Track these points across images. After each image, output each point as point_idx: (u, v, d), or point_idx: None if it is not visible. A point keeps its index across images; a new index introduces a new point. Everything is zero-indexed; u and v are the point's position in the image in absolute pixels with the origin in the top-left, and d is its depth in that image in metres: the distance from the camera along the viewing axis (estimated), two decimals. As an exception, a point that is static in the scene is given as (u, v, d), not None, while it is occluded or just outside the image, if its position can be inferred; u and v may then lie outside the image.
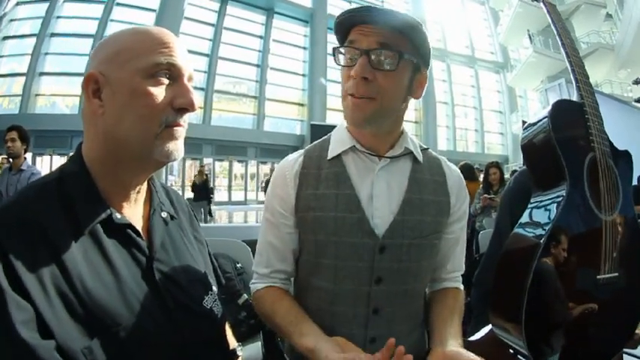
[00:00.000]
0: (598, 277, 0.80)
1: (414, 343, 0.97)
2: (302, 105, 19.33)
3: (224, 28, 17.79)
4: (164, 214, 0.76)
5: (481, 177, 4.94)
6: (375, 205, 0.89)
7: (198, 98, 0.68)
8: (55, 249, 0.56)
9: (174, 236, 0.76)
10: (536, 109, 21.69)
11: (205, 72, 17.08)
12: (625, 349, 0.92)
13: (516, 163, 20.22)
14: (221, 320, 0.79)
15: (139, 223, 0.70)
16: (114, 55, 0.63)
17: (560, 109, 0.85)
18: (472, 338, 1.10)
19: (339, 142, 0.95)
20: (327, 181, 0.92)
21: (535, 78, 20.72)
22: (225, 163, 17.63)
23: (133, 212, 0.70)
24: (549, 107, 0.84)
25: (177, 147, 0.66)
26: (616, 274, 0.82)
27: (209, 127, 16.23)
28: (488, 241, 1.97)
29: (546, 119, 0.83)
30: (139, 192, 0.71)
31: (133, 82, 0.62)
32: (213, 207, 11.56)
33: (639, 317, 0.91)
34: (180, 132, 0.67)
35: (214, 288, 0.79)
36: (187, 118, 0.69)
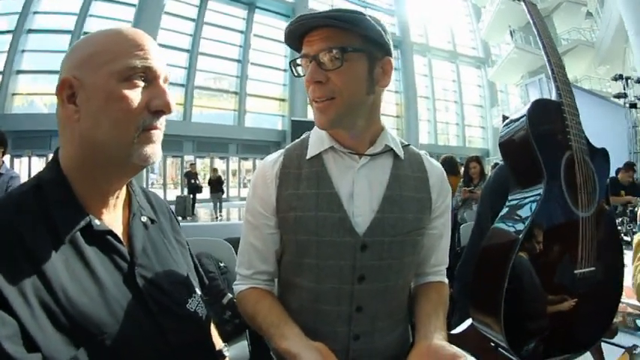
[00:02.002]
0: (575, 271, 0.82)
1: (397, 338, 0.98)
2: (283, 100, 19.26)
3: (205, 23, 17.55)
4: (144, 219, 0.75)
5: (462, 170, 5.00)
6: (356, 204, 0.90)
7: (174, 99, 0.67)
8: (35, 260, 0.55)
9: (155, 240, 0.75)
10: (517, 103, 22.11)
11: (185, 68, 16.87)
12: (603, 339, 0.95)
13: (497, 156, 20.58)
14: (206, 322, 0.78)
15: (119, 229, 0.69)
16: (87, 58, 0.62)
17: (539, 107, 0.86)
18: (455, 331, 1.12)
19: (318, 141, 0.95)
20: (307, 181, 0.92)
21: (516, 73, 21.14)
22: (207, 160, 17.47)
23: (113, 218, 0.69)
24: (528, 106, 0.85)
25: (154, 150, 0.66)
26: (593, 268, 0.83)
27: (190, 123, 16.05)
28: (470, 235, 2.01)
29: (524, 118, 0.83)
30: (117, 197, 0.70)
31: (108, 86, 0.61)
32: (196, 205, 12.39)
33: (616, 308, 0.94)
34: (158, 135, 0.66)
35: (197, 290, 0.79)
36: (164, 121, 0.68)
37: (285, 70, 19.26)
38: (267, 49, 19.17)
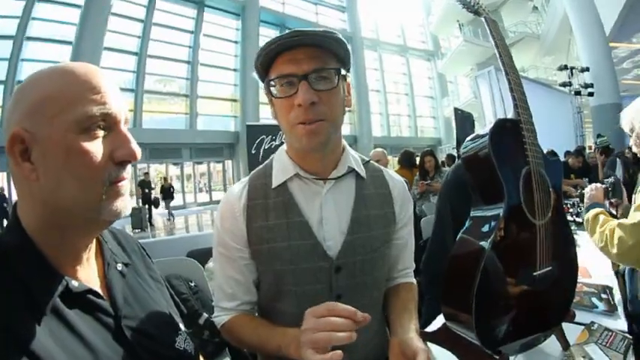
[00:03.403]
0: (534, 273, 0.89)
1: (377, 345, 1.01)
2: (235, 101, 18.95)
3: (153, 24, 16.81)
4: (119, 266, 0.71)
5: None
6: (326, 229, 0.92)
7: (138, 147, 0.62)
8: (21, 341, 0.50)
9: (134, 286, 0.72)
10: (467, 93, 23.00)
11: (134, 72, 16.15)
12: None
13: (449, 144, 21.47)
14: (195, 356, 0.77)
15: (96, 283, 0.65)
16: (38, 106, 0.55)
17: (499, 128, 0.91)
18: (429, 329, 1.17)
19: (282, 169, 0.95)
20: (275, 211, 0.92)
21: (465, 65, 22.15)
22: (161, 167, 16.91)
23: (88, 273, 0.64)
24: (490, 126, 0.90)
25: (125, 204, 0.61)
26: (550, 267, 0.91)
27: (141, 130, 15.25)
28: (430, 228, 2.10)
29: (487, 140, 0.88)
30: (89, 250, 0.65)
31: (67, 140, 0.55)
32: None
33: (573, 297, 1.03)
34: (126, 186, 0.62)
35: (182, 326, 0.77)
36: (130, 169, 0.63)
37: (235, 70, 18.98)
38: (218, 49, 18.81)
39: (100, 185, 0.57)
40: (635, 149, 1.62)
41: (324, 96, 0.82)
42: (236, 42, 19.18)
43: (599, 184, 1.81)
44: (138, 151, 0.62)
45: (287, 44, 0.80)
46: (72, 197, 0.56)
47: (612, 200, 1.75)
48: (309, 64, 0.81)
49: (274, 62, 0.84)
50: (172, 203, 13.60)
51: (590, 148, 8.72)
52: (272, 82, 0.85)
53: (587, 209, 1.68)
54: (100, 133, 0.58)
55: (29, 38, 13.46)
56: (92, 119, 0.56)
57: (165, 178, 14.28)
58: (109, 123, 0.59)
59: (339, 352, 0.66)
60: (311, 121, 0.82)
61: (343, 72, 0.86)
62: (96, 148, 0.57)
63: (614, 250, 1.40)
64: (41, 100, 0.55)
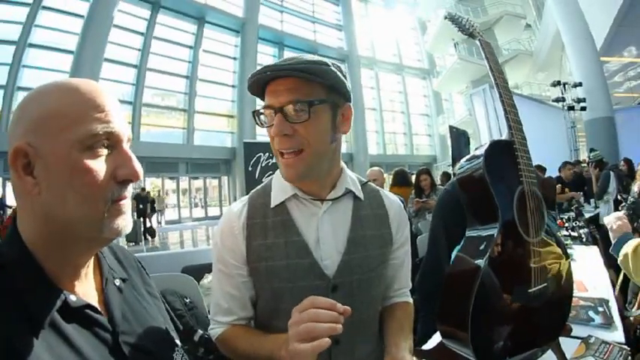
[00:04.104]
0: (529, 290, 0.90)
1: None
2: (232, 117, 19.00)
3: (154, 37, 16.91)
4: (117, 282, 0.70)
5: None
6: (323, 248, 0.93)
7: (140, 167, 0.62)
8: (19, 354, 0.49)
9: (131, 301, 0.72)
10: (461, 111, 23.20)
11: (133, 84, 16.18)
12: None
13: (445, 161, 21.58)
14: None
15: (94, 298, 0.65)
16: (41, 123, 0.56)
17: (494, 149, 0.94)
18: (425, 347, 1.18)
19: (280, 190, 0.97)
20: (274, 230, 0.94)
21: (460, 82, 22.39)
22: (157, 181, 16.86)
23: (86, 288, 0.64)
24: (485, 146, 0.93)
25: (125, 222, 0.62)
26: (544, 284, 0.92)
27: (138, 143, 15.13)
28: (426, 247, 2.10)
29: (482, 161, 0.90)
30: (88, 266, 0.65)
31: (70, 157, 0.55)
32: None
33: (569, 312, 1.04)
34: (127, 204, 0.62)
35: (178, 342, 0.77)
36: (131, 188, 0.64)
37: (233, 87, 19.07)
38: (217, 65, 18.93)
39: (102, 203, 0.58)
40: None
41: (300, 128, 0.84)
42: (235, 58, 19.34)
43: (619, 213, 1.60)
44: (140, 171, 0.62)
45: (266, 78, 0.85)
46: (74, 214, 0.57)
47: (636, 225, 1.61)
48: (285, 96, 0.83)
49: (265, 91, 0.88)
50: (168, 217, 13.65)
51: (584, 161, 8.86)
52: (261, 112, 0.89)
53: (619, 243, 1.43)
54: (104, 151, 0.59)
55: (31, 45, 13.50)
56: (96, 137, 0.57)
57: (148, 192, 13.77)
58: (112, 142, 0.60)
59: (327, 339, 0.67)
60: (286, 150, 0.86)
61: (320, 101, 0.85)
62: (99, 166, 0.57)
63: None
64: (46, 116, 0.56)
